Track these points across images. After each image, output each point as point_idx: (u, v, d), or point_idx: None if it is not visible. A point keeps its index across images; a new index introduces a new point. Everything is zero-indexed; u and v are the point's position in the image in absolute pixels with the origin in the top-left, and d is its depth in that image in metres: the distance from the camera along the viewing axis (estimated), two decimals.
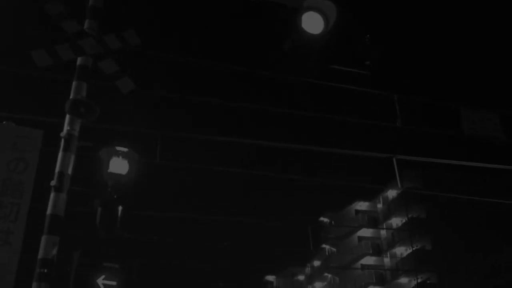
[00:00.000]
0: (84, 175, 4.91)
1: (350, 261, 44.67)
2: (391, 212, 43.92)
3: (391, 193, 44.24)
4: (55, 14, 4.80)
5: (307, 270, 54.24)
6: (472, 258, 35.06)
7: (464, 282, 34.35)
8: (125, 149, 4.81)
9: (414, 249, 39.95)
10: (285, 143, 8.74)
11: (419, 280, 38.81)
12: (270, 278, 56.90)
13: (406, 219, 41.32)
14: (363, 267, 44.17)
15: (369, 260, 44.56)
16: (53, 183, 4.59)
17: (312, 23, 4.75)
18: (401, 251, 42.52)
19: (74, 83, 4.93)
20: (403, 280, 41.12)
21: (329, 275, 48.38)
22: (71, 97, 4.86)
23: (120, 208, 4.75)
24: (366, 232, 46.02)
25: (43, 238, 4.46)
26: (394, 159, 9.06)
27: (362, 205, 47.73)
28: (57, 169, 4.65)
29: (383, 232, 45.69)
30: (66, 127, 4.78)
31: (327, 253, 49.31)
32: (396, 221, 43.93)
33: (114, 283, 4.50)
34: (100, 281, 4.48)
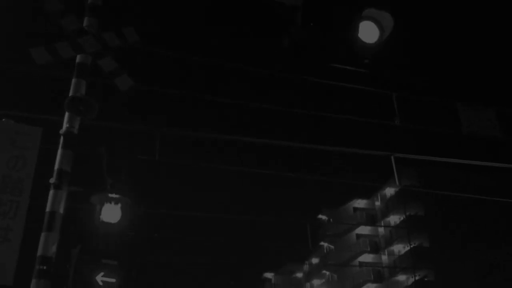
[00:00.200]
0: (83, 173, 4.91)
1: (348, 259, 44.80)
2: (389, 210, 44.03)
3: (389, 191, 44.35)
4: (54, 11, 4.80)
5: (305, 267, 54.36)
6: (470, 256, 35.19)
7: (462, 279, 34.49)
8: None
9: (411, 246, 40.08)
10: (284, 141, 8.76)
11: (416, 278, 38.95)
12: (268, 275, 57.02)
13: (404, 216, 41.45)
14: (361, 264, 44.31)
15: (367, 257, 44.70)
16: (52, 180, 4.61)
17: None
18: (399, 248, 42.65)
19: (73, 81, 4.94)
20: (401, 277, 41.27)
21: (327, 273, 48.52)
22: (70, 94, 4.87)
23: (119, 205, 4.74)
24: (364, 229, 46.13)
25: (42, 235, 4.47)
26: (392, 157, 9.09)
27: (360, 203, 47.84)
28: (56, 167, 4.67)
29: (381, 230, 45.83)
30: (65, 125, 4.79)
31: (325, 251, 49.44)
32: (394, 219, 44.05)
33: (113, 280, 4.51)
34: (99, 278, 4.49)
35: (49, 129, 4.96)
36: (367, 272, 43.30)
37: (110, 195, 4.68)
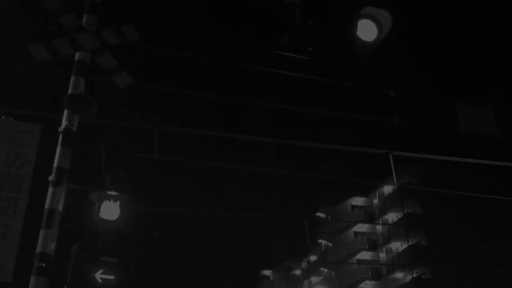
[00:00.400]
0: (82, 170, 4.92)
1: (346, 256, 44.91)
2: (387, 208, 44.13)
3: (387, 189, 44.44)
4: (54, 9, 4.80)
5: (304, 264, 54.48)
6: (467, 253, 35.30)
7: (459, 277, 34.62)
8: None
9: (409, 244, 40.19)
10: (282, 139, 8.77)
11: (414, 275, 39.08)
12: (267, 272, 57.13)
13: (402, 214, 41.55)
14: (359, 262, 44.41)
15: (365, 255, 44.80)
16: (51, 177, 4.62)
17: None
18: (397, 246, 42.76)
19: (72, 78, 4.94)
20: (399, 275, 41.39)
21: (325, 270, 48.63)
22: (69, 92, 4.87)
23: (118, 203, 4.74)
24: (362, 227, 46.24)
25: (41, 232, 4.48)
26: (390, 155, 9.11)
27: (358, 201, 47.93)
28: (55, 164, 4.67)
29: (379, 227, 45.93)
30: (64, 122, 4.80)
31: (323, 248, 49.54)
32: (392, 217, 44.15)
33: (112, 277, 4.52)
34: (98, 275, 4.50)
35: (48, 126, 4.97)
36: (365, 269, 43.43)
37: (109, 192, 4.69)
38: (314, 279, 51.28)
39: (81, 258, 4.50)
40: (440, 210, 37.58)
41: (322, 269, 49.03)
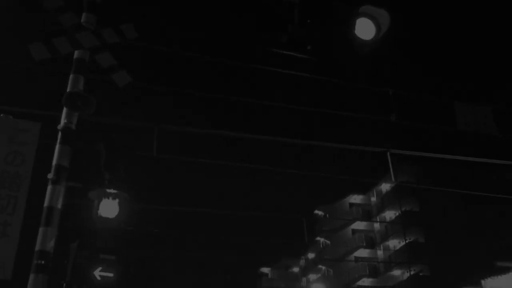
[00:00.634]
0: (81, 168, 4.93)
1: (344, 254, 45.00)
2: (385, 205, 44.22)
3: (385, 187, 44.52)
4: (53, 7, 4.80)
5: (302, 262, 54.58)
6: (465, 251, 35.43)
7: (457, 274, 34.73)
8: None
9: (407, 242, 40.29)
10: (280, 137, 8.79)
11: (411, 272, 39.20)
12: (265, 270, 57.22)
13: (400, 212, 41.64)
14: (357, 259, 44.52)
15: (362, 252, 44.91)
16: (50, 175, 4.63)
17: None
18: (394, 243, 42.87)
19: (71, 77, 4.94)
20: (396, 272, 41.51)
21: (323, 267, 48.73)
22: (68, 90, 4.87)
23: (117, 200, 4.76)
24: (360, 225, 46.34)
25: (41, 230, 4.49)
26: (388, 153, 9.14)
27: (356, 198, 48.01)
28: (54, 162, 4.68)
29: (376, 225, 46.04)
30: (63, 120, 4.81)
31: (321, 246, 49.62)
32: (389, 214, 44.25)
33: (111, 274, 4.53)
34: (97, 272, 4.51)
35: (47, 124, 4.97)
36: (363, 267, 43.53)
37: (108, 190, 4.70)
38: (312, 276, 51.39)
39: (80, 256, 4.50)
40: (437, 208, 37.69)
41: (320, 266, 49.14)
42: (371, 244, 45.29)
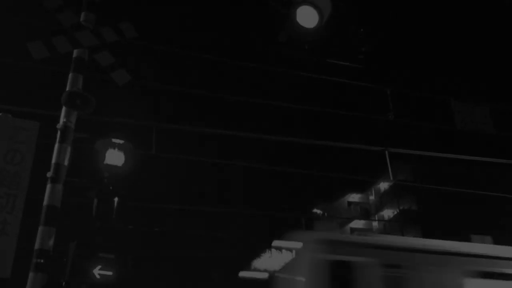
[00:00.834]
0: (80, 167, 4.94)
1: None
2: (383, 204, 44.31)
3: (383, 185, 44.61)
4: (53, 7, 4.80)
5: None
6: None
7: None
8: (121, 141, 4.83)
9: None
10: (278, 136, 8.81)
11: None
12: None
13: (398, 210, 41.73)
14: None
15: None
16: (49, 174, 4.63)
17: (307, 17, 4.78)
18: None
19: (70, 75, 4.95)
20: None
21: None
22: (67, 89, 4.88)
23: (116, 199, 4.79)
24: (358, 223, 46.41)
25: (40, 229, 4.50)
26: (386, 152, 9.17)
27: (354, 197, 48.09)
28: (53, 161, 4.69)
29: (375, 224, 46.13)
30: (62, 119, 4.81)
31: None
32: (387, 213, 44.34)
33: (110, 273, 4.54)
34: (96, 271, 4.52)
35: (47, 123, 4.98)
36: None
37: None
38: None
39: (79, 254, 4.51)
40: (435, 206, 37.77)
41: None
42: None
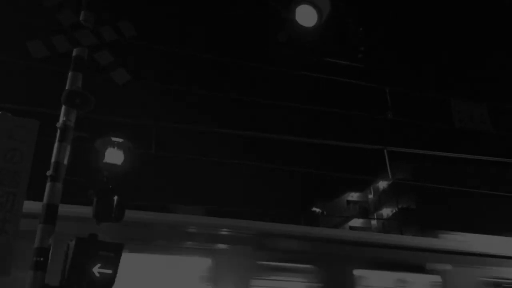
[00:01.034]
0: (80, 165, 4.95)
1: None
2: (382, 203, 44.40)
3: (382, 184, 44.69)
4: (52, 5, 4.80)
5: None
6: None
7: None
8: (120, 140, 4.85)
9: None
10: (278, 135, 8.82)
11: None
12: None
13: (396, 209, 41.81)
14: None
15: None
16: (49, 172, 4.65)
17: (306, 16, 4.79)
18: None
19: (70, 74, 4.96)
20: None
21: None
22: (67, 88, 4.89)
23: (115, 198, 4.80)
24: (357, 222, 46.50)
25: (39, 227, 4.51)
26: (385, 151, 9.19)
27: (353, 196, 48.19)
28: (53, 159, 4.70)
29: (373, 222, 46.22)
30: (62, 118, 4.83)
31: None
32: (386, 211, 44.43)
33: (109, 271, 4.55)
34: (96, 269, 4.52)
35: (46, 122, 4.99)
36: None
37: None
38: None
39: (79, 252, 4.52)
40: (434, 205, 37.84)
41: None
42: None
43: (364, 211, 46.94)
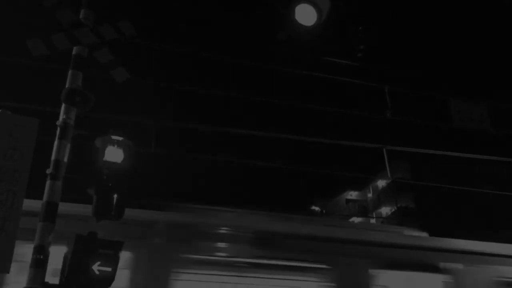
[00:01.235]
0: (79, 163, 4.96)
1: None
2: (381, 202, 44.46)
3: (381, 183, 44.74)
4: (51, 5, 4.81)
5: None
6: None
7: None
8: (120, 138, 4.86)
9: None
10: (278, 133, 8.82)
11: None
12: None
13: (395, 208, 41.87)
14: None
15: None
16: (49, 170, 4.66)
17: (305, 15, 4.80)
18: None
19: (69, 72, 4.97)
20: None
21: None
22: (66, 86, 4.90)
23: (115, 196, 4.81)
24: (356, 221, 46.56)
25: (39, 225, 4.53)
26: (384, 150, 9.20)
27: (352, 195, 48.24)
28: (53, 157, 4.72)
29: (372, 221, 46.27)
30: (61, 116, 4.84)
31: None
32: (385, 210, 44.48)
33: (109, 269, 4.56)
34: (96, 267, 4.54)
35: (46, 120, 5.00)
36: None
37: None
38: None
39: (78, 250, 4.53)
40: (433, 204, 37.88)
41: None
42: None
43: (363, 210, 46.99)
